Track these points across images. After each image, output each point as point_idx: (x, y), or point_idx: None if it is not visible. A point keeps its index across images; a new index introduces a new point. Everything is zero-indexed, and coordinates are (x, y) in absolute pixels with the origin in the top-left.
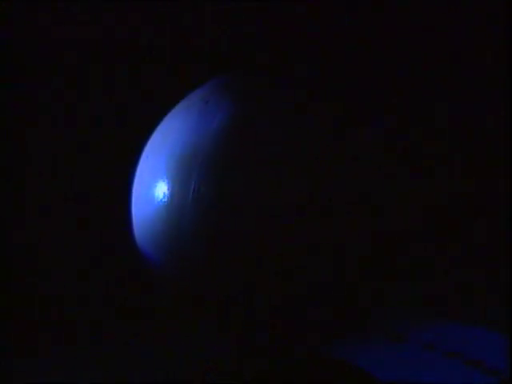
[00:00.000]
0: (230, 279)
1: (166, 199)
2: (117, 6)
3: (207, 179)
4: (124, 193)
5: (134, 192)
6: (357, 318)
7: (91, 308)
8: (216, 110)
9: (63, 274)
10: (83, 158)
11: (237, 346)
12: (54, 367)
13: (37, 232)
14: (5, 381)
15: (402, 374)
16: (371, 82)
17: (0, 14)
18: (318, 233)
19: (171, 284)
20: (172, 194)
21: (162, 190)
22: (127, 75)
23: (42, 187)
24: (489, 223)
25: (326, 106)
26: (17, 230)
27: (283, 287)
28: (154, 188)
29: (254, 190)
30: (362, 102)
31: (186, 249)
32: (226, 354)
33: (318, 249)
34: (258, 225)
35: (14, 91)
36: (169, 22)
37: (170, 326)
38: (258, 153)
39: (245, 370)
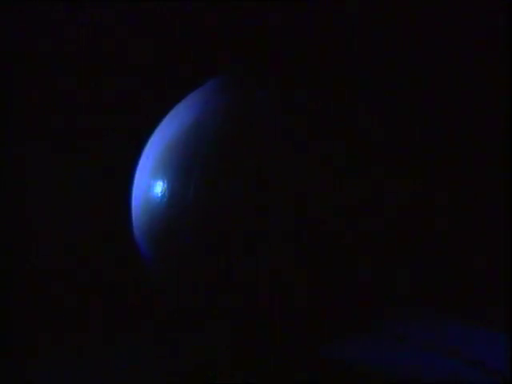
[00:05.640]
0: (226, 277)
1: (165, 199)
2: (116, 6)
3: (207, 180)
4: (124, 192)
5: (134, 192)
6: (357, 318)
7: (90, 305)
8: (216, 111)
9: (62, 272)
10: (84, 158)
11: (236, 346)
12: (52, 367)
13: (37, 234)
14: (5, 381)
15: (402, 373)
16: (369, 81)
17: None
18: (317, 232)
19: (168, 283)
20: (171, 194)
21: (161, 190)
22: (127, 75)
23: (43, 187)
24: (488, 222)
25: (327, 108)
26: (17, 229)
27: (281, 287)
28: (153, 188)
29: (253, 191)
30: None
31: (183, 247)
32: (225, 353)
33: (316, 247)
34: (255, 225)
35: (12, 91)
36: (168, 22)
37: (169, 324)
38: (258, 154)
39: (244, 370)
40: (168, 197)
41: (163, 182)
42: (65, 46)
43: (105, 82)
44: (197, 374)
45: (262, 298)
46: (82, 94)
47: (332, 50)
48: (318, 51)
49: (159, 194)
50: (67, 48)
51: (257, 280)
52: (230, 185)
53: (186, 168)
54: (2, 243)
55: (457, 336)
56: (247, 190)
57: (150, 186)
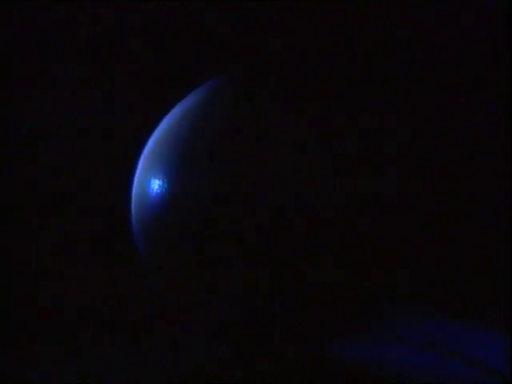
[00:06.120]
0: (225, 275)
1: (164, 198)
2: (117, 6)
3: (205, 179)
4: (124, 192)
5: (134, 191)
6: (357, 318)
7: (90, 305)
8: (215, 111)
9: (62, 272)
10: (84, 157)
11: (234, 346)
12: (52, 367)
13: (37, 233)
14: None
15: (402, 373)
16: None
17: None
18: (317, 231)
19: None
20: (170, 193)
21: (160, 189)
22: (127, 75)
23: (45, 187)
24: (487, 223)
25: (327, 108)
26: (19, 226)
27: (275, 285)
28: (152, 187)
29: (252, 191)
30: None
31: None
32: (224, 353)
33: (315, 246)
34: (252, 224)
35: (12, 91)
36: (168, 22)
37: (168, 324)
38: (257, 153)
39: (244, 370)
40: (167, 197)
41: (159, 179)
42: (65, 46)
43: (105, 81)
44: (197, 374)
45: (261, 297)
46: (82, 94)
47: (332, 50)
48: (318, 51)
49: (156, 192)
50: (68, 48)
51: (256, 279)
52: (229, 185)
53: (185, 167)
54: (3, 242)
55: (457, 336)
56: (245, 190)
57: (147, 183)
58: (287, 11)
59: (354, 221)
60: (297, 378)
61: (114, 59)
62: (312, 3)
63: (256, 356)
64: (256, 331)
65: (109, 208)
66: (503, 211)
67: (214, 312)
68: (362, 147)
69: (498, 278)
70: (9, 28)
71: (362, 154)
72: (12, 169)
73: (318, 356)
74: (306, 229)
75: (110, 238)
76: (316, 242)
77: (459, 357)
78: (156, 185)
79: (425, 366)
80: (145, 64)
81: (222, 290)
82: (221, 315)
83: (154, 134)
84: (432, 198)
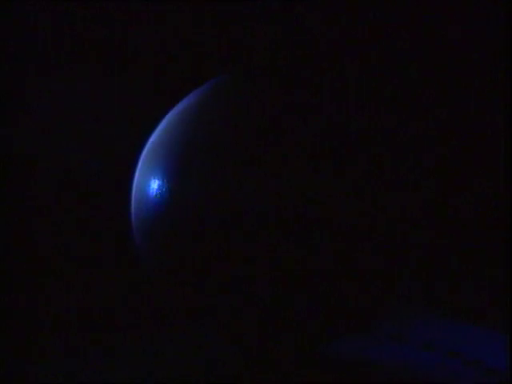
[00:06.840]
0: (224, 273)
1: (164, 200)
2: (116, 6)
3: (206, 179)
4: (124, 191)
5: (133, 192)
6: (357, 318)
7: (88, 303)
8: (215, 111)
9: (62, 272)
10: (83, 158)
11: (233, 345)
12: (52, 367)
13: (37, 234)
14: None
15: (402, 373)
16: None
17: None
18: (316, 230)
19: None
20: (169, 193)
21: (159, 189)
22: (127, 75)
23: (44, 186)
24: (487, 223)
25: (326, 107)
26: (19, 222)
27: (280, 285)
28: (152, 188)
29: (252, 192)
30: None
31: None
32: (223, 353)
33: (314, 246)
34: (253, 224)
35: (12, 91)
36: (168, 22)
37: (169, 323)
38: (257, 153)
39: (242, 370)
40: (167, 197)
41: (162, 181)
42: (65, 46)
43: (104, 81)
44: (197, 373)
45: (261, 296)
46: (81, 93)
47: (331, 51)
48: (317, 51)
49: (155, 192)
50: (67, 48)
51: (255, 278)
52: (230, 185)
53: (185, 167)
54: (3, 241)
55: (457, 336)
56: (246, 190)
57: (147, 184)
58: (288, 10)
59: (354, 220)
60: (296, 377)
61: (114, 58)
62: (313, 2)
63: (254, 355)
64: (255, 330)
65: (108, 208)
66: (503, 211)
67: (214, 312)
68: (362, 147)
69: (497, 278)
70: (8, 27)
71: (361, 154)
72: (11, 169)
73: (316, 356)
74: (307, 227)
75: (110, 239)
76: (316, 242)
77: (459, 357)
78: (156, 185)
79: (425, 365)
80: (145, 64)
81: (222, 289)
82: (220, 314)
83: (154, 134)
84: (431, 197)
